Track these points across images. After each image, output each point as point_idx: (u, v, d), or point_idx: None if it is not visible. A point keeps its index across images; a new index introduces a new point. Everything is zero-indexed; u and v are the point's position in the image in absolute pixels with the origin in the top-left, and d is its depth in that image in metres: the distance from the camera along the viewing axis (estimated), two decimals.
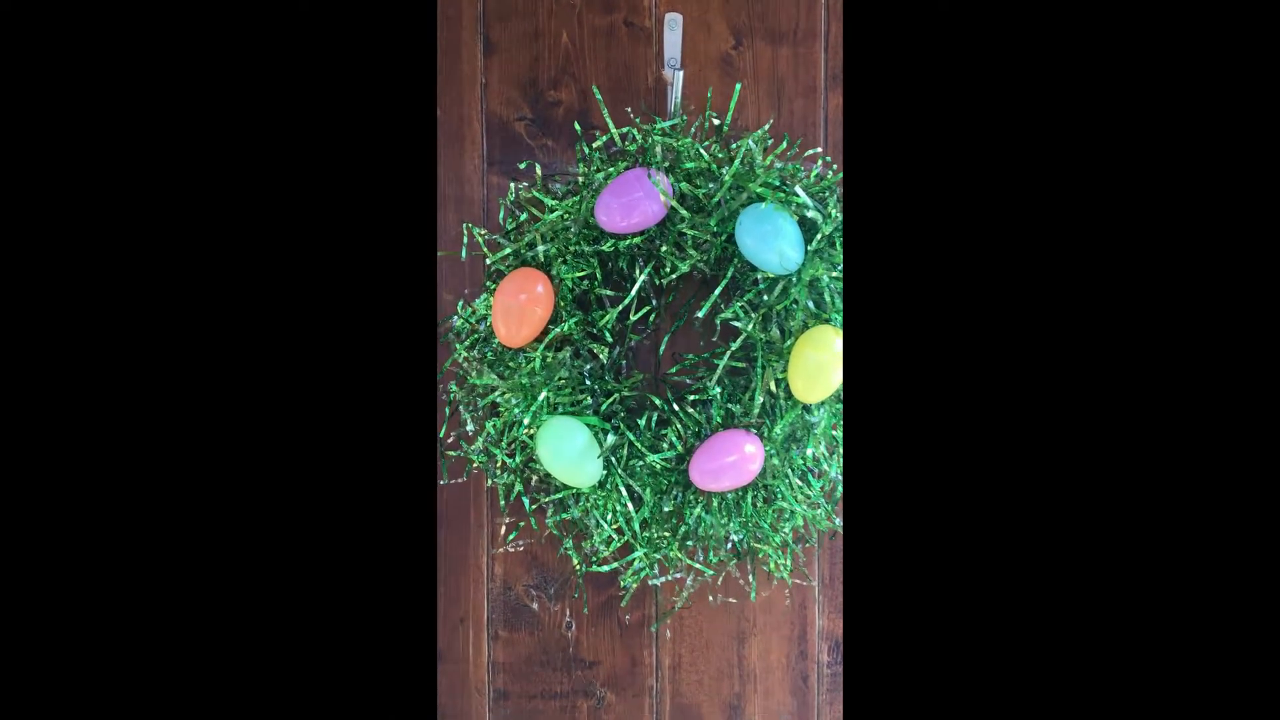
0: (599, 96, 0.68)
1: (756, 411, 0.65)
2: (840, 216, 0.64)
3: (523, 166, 0.70)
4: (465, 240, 0.70)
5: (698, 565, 0.66)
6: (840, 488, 0.69)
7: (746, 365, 0.67)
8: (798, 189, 0.61)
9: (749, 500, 0.66)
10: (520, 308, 0.64)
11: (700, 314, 0.65)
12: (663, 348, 0.69)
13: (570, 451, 0.64)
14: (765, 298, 0.65)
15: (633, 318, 0.67)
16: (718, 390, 0.65)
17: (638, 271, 0.67)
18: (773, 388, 0.66)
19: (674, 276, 0.66)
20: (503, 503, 0.69)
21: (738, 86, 0.68)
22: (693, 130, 0.67)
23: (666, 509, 0.66)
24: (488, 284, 0.69)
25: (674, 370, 0.69)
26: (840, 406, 0.67)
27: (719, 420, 0.66)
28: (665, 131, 0.64)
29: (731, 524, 0.66)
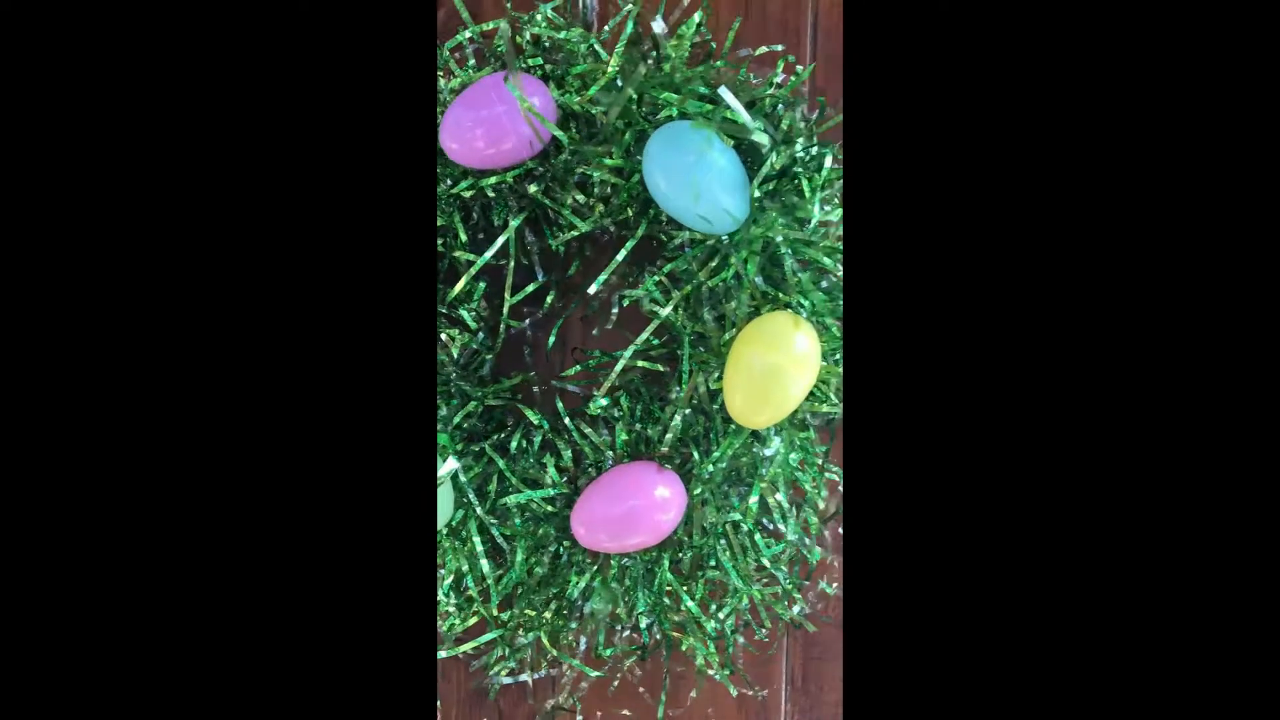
0: None
1: (672, 438, 0.43)
2: (823, 151, 0.42)
3: None
4: None
5: (573, 662, 0.45)
6: (813, 554, 0.47)
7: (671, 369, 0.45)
8: (727, 96, 0.39)
9: (665, 566, 0.45)
10: None
11: (591, 289, 0.43)
12: (552, 339, 0.48)
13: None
14: (693, 268, 0.43)
15: (510, 299, 0.46)
16: (603, 404, 0.43)
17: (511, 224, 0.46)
18: (705, 402, 0.44)
19: (568, 237, 0.45)
20: None
21: None
22: (603, 34, 0.45)
23: (540, 572, 0.45)
24: None
25: (572, 371, 0.48)
26: (806, 435, 0.45)
27: (622, 448, 0.45)
28: (549, 19, 0.44)
29: (635, 600, 0.44)
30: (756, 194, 0.40)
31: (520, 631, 0.45)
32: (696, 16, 0.42)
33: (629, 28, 0.41)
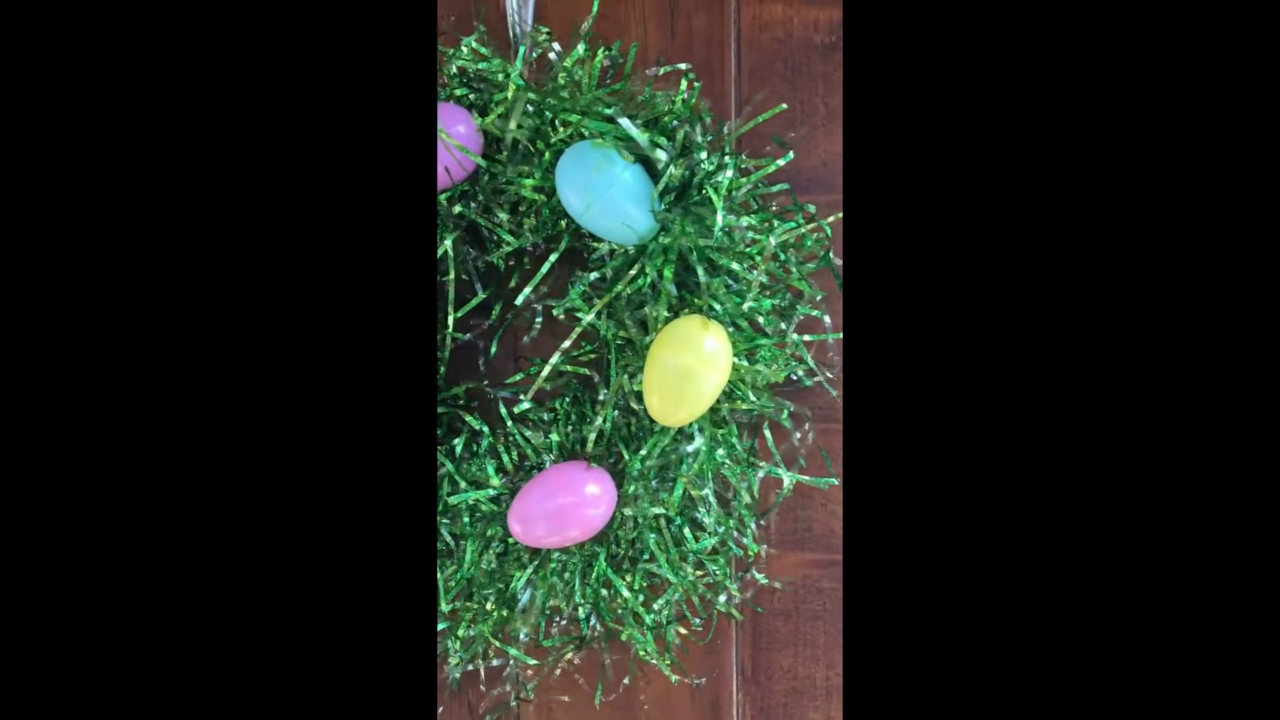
0: None
1: (594, 437, 0.46)
2: (720, 160, 0.44)
3: None
4: None
5: (515, 653, 0.48)
6: (748, 548, 0.48)
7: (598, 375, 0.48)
8: (622, 119, 0.41)
9: (602, 561, 0.47)
10: None
11: (518, 301, 0.46)
12: (494, 349, 0.51)
13: None
14: (607, 275, 0.46)
15: (453, 313, 0.50)
16: (527, 405, 0.46)
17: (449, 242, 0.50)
18: (633, 403, 0.47)
19: (503, 252, 0.48)
20: None
21: None
22: (523, 56, 0.48)
23: (487, 568, 0.48)
24: None
25: (518, 378, 0.51)
26: (727, 432, 0.47)
27: (557, 449, 0.48)
28: (474, 49, 0.47)
29: (573, 591, 0.47)
30: (659, 206, 0.43)
31: (471, 624, 0.48)
32: (580, 50, 0.44)
33: (520, 56, 0.44)
